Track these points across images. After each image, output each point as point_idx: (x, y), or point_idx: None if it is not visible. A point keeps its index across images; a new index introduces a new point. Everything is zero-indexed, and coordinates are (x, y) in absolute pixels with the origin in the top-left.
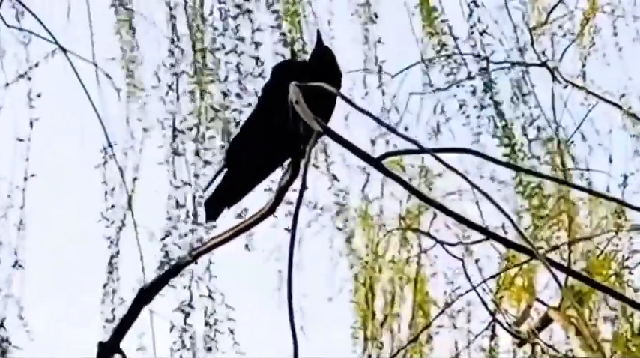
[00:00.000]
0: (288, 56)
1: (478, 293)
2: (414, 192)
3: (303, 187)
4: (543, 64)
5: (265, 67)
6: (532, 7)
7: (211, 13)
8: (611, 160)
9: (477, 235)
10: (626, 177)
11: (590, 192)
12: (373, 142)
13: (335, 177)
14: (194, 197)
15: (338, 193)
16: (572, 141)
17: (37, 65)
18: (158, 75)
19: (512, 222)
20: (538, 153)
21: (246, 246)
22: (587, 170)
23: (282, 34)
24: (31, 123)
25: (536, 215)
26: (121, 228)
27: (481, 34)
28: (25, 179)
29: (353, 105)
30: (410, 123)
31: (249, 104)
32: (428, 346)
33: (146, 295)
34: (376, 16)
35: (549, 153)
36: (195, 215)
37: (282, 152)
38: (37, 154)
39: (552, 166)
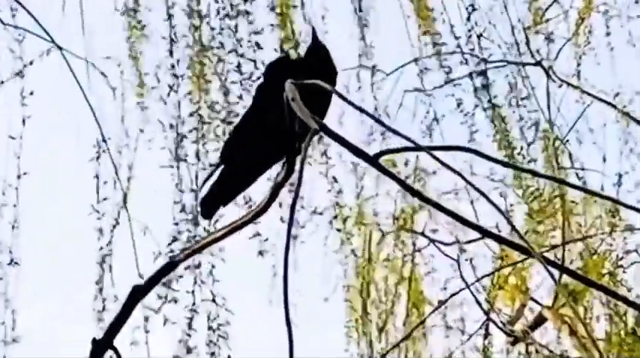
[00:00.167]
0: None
1: (472, 292)
2: (410, 190)
3: (299, 184)
4: (538, 63)
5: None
6: (527, 6)
7: (207, 15)
8: (605, 159)
9: (471, 235)
10: (620, 176)
11: (585, 190)
12: (368, 141)
13: (335, 179)
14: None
15: (331, 189)
16: (567, 140)
17: (31, 63)
18: (157, 75)
19: (507, 219)
20: (533, 152)
21: (260, 252)
22: (582, 169)
23: (280, 30)
24: (24, 121)
25: (532, 213)
26: (114, 226)
27: (478, 36)
28: (19, 177)
29: (349, 102)
30: (404, 122)
31: (238, 102)
32: (421, 344)
33: (139, 293)
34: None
35: (544, 152)
36: (196, 216)
37: (278, 150)
38: (32, 152)
39: (547, 165)
